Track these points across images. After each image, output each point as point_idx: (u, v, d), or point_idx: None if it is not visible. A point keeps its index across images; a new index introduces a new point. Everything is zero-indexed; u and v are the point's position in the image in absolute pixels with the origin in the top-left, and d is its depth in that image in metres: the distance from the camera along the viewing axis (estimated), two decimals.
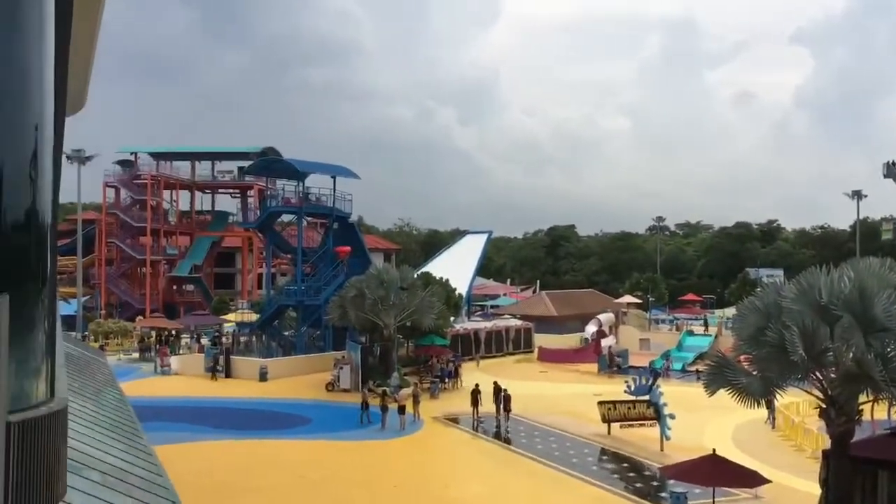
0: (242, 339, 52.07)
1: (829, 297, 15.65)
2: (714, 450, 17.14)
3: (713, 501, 16.81)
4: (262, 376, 41.12)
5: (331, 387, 38.80)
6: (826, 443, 25.57)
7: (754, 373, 17.01)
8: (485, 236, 66.81)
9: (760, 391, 16.73)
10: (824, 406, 16.50)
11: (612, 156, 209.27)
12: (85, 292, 65.80)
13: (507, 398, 31.54)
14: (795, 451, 27.35)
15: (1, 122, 5.72)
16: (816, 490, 19.61)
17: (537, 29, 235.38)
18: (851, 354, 15.51)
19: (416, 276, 44.54)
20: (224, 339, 51.56)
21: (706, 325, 60.77)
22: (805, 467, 24.22)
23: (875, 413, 20.87)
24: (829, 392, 16.31)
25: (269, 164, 52.99)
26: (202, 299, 78.39)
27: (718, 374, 17.24)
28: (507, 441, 28.98)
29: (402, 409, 30.66)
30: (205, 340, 53.58)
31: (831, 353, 15.90)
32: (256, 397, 37.19)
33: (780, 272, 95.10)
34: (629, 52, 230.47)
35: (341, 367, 39.28)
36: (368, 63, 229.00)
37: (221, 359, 43.65)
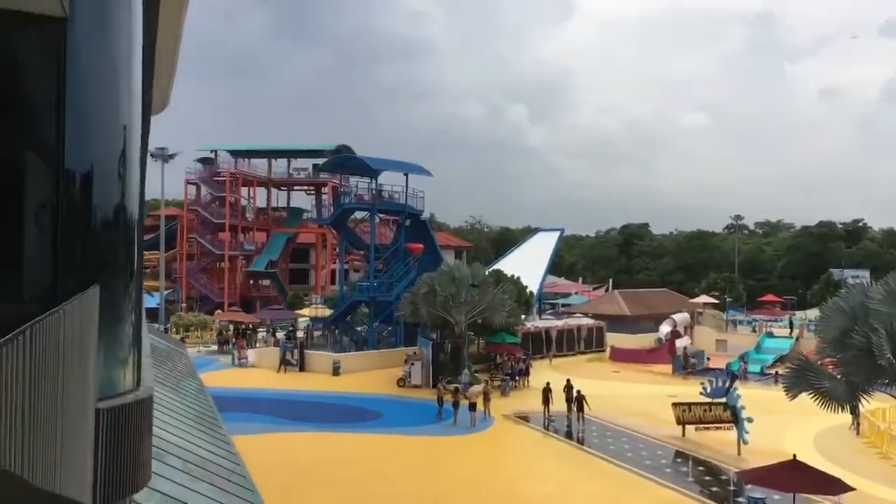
0: (316, 333, 53.04)
1: None
2: (794, 455, 16.60)
3: None
4: (335, 370, 41.79)
5: (402, 382, 39.14)
6: None
7: (838, 377, 16.47)
8: (556, 234, 66.28)
9: (845, 396, 16.19)
10: None
11: (688, 153, 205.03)
12: (167, 286, 68.08)
13: (581, 398, 31.16)
14: (881, 458, 26.21)
15: (93, 124, 5.97)
16: None
17: (611, 24, 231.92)
18: None
19: (487, 273, 44.52)
20: (299, 334, 52.58)
21: (791, 326, 58.72)
22: (891, 475, 23.33)
23: None
24: None
25: (342, 161, 53.80)
26: (277, 294, 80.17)
27: (801, 377, 16.76)
28: (581, 441, 28.62)
29: (472, 406, 30.74)
30: (280, 334, 54.79)
31: None
32: (330, 391, 37.81)
33: (867, 273, 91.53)
34: (706, 47, 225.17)
35: (412, 364, 39.60)
36: (440, 60, 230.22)
37: (296, 352, 44.59)
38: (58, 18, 5.28)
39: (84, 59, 5.52)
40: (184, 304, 72.68)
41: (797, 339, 52.91)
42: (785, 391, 17.05)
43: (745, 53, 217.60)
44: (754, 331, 60.52)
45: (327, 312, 54.93)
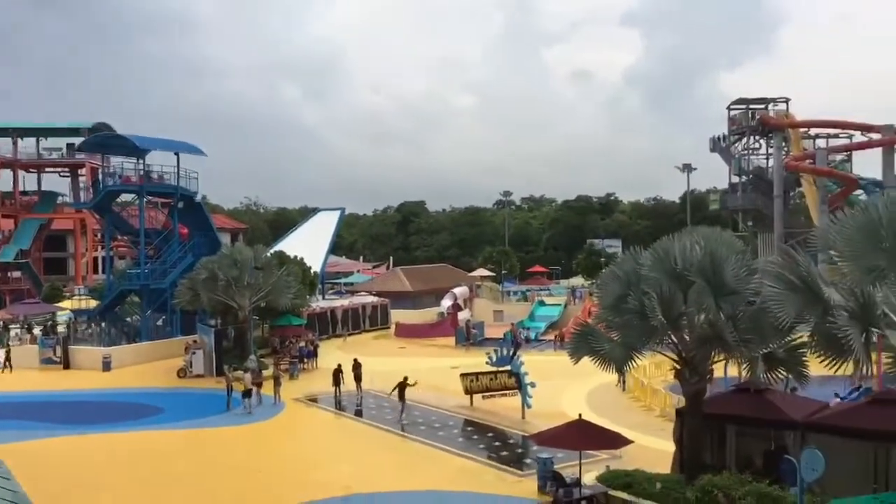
0: (81, 327, 48.89)
1: (683, 264, 16.48)
2: (580, 415, 17.74)
3: (580, 463, 17.40)
4: (106, 366, 38.75)
5: (183, 373, 37.15)
6: (673, 402, 27.25)
7: (615, 339, 17.71)
8: (337, 213, 66.00)
9: (621, 356, 17.42)
10: (679, 367, 17.44)
11: (458, 132, 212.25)
12: None
13: (404, 385, 28.53)
14: (645, 411, 28.86)
15: None
16: (668, 447, 20.74)
17: (383, 3, 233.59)
18: (703, 317, 16.44)
19: (269, 254, 43.26)
20: (59, 329, 48.08)
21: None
22: (655, 426, 25.64)
23: (723, 371, 22.45)
24: (684, 354, 17.24)
25: (104, 140, 49.62)
26: (31, 286, 72.82)
27: (583, 341, 17.81)
28: (403, 429, 27.05)
29: (247, 393, 29.67)
30: (37, 331, 49.80)
31: (685, 318, 16.81)
32: (102, 388, 34.97)
33: (619, 242, 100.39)
34: (474, 28, 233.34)
35: (194, 352, 37.65)
36: (206, 35, 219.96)
37: (58, 349, 40.70)
38: None
39: None
40: None
41: (566, 305, 56.85)
42: (569, 355, 18.07)
43: (507, 37, 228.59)
44: (525, 299, 63.95)
45: (93, 304, 50.74)
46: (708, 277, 16.04)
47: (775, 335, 15.70)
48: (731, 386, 19.48)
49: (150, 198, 48.14)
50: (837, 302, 13.60)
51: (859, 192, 61.89)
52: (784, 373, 16.22)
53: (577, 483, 17.27)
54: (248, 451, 24.78)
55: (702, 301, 16.11)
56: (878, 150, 61.08)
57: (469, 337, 47.42)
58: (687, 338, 17.10)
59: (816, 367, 16.04)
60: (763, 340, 15.87)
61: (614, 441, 17.09)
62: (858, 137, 65.38)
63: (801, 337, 15.76)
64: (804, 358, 15.96)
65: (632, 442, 17.61)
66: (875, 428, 15.54)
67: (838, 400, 23.44)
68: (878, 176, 62.10)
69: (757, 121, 71.03)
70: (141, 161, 45.71)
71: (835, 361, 13.20)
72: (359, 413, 30.04)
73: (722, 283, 15.99)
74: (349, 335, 50.93)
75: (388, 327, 55.27)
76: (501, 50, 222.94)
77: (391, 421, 28.03)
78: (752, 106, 72.36)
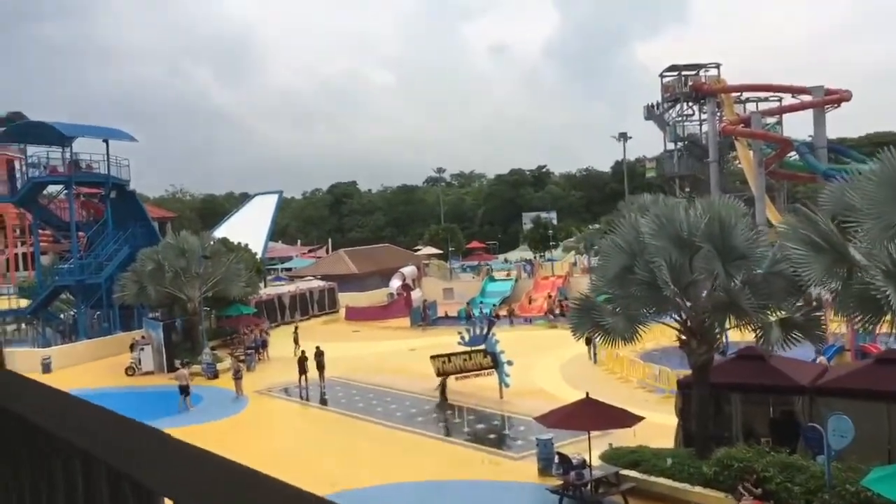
0: (9, 328, 46.02)
1: (689, 230, 15.86)
2: (588, 393, 17.02)
3: (589, 443, 16.67)
4: (46, 367, 36.15)
5: (131, 371, 35.05)
6: (653, 372, 27.01)
7: (618, 311, 17.03)
8: (275, 197, 63.93)
9: (625, 329, 16.78)
10: (685, 338, 16.87)
11: (382, 110, 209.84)
12: None
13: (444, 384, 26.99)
14: (622, 382, 28.43)
15: None
16: (658, 419, 20.29)
17: None
18: (716, 283, 15.88)
19: (213, 241, 41.30)
20: None
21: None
22: (638, 398, 25.16)
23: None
24: (690, 324, 16.68)
25: (25, 128, 46.43)
26: None
27: (585, 316, 17.08)
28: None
29: (184, 390, 28.12)
30: None
31: (693, 286, 16.23)
32: None
33: (554, 214, 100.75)
34: (385, 4, 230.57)
35: (142, 348, 35.52)
36: (112, 17, 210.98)
37: None
38: None
39: None
40: None
41: (516, 280, 56.33)
42: (572, 332, 17.33)
43: (422, 12, 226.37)
44: (478, 274, 63.15)
45: (24, 303, 47.76)
46: (716, 243, 15.47)
47: (788, 299, 15.29)
48: (731, 353, 19.12)
49: (76, 188, 45.33)
50: (861, 261, 13.15)
51: (792, 153, 63.35)
52: (800, 337, 15.74)
53: (584, 464, 16.60)
54: (220, 449, 23.19)
55: (711, 267, 15.54)
56: (809, 112, 62.60)
57: (425, 317, 46.49)
58: (690, 305, 16.54)
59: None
60: (776, 305, 15.45)
61: (626, 418, 16.42)
62: (788, 100, 67.04)
63: (815, 300, 15.40)
64: (822, 321, 15.62)
65: (643, 418, 16.95)
66: (886, 388, 15.37)
67: (823, 358, 23.51)
68: (807, 137, 63.81)
69: (690, 87, 71.90)
70: (67, 150, 42.97)
71: (868, 321, 12.72)
72: (324, 402, 28.87)
73: (731, 247, 15.43)
74: (285, 324, 49.28)
75: (337, 311, 53.82)
76: (416, 25, 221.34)
77: (363, 409, 26.96)
78: (683, 72, 73.17)
